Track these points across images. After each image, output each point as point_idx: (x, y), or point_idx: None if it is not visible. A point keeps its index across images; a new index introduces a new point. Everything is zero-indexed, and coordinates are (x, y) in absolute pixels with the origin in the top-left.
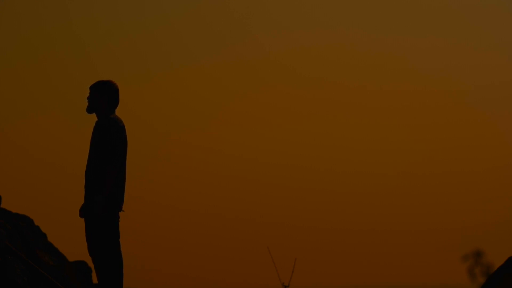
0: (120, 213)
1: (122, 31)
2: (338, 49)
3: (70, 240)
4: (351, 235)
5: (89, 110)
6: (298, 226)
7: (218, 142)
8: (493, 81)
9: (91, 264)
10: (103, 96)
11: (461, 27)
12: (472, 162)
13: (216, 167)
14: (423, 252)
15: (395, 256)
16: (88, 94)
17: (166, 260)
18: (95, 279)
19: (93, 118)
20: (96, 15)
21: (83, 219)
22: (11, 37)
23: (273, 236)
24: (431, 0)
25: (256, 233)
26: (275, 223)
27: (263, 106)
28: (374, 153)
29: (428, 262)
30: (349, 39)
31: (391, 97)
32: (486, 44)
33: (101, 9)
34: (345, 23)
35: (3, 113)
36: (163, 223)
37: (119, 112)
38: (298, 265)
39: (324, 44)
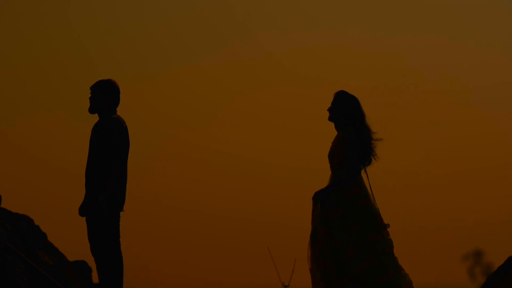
0: (121, 213)
1: (122, 31)
2: (338, 49)
3: (70, 240)
4: None
5: (92, 110)
6: (298, 226)
7: (218, 142)
8: (493, 81)
9: (91, 264)
10: (107, 96)
11: (461, 27)
12: (472, 162)
13: (216, 167)
14: (422, 251)
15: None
16: (89, 95)
17: (166, 260)
18: (95, 279)
19: (93, 117)
20: (95, 15)
21: (83, 219)
22: (11, 37)
23: (273, 236)
24: (431, 0)
25: (256, 233)
26: (275, 223)
27: (263, 106)
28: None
29: (428, 262)
30: (349, 39)
31: (391, 97)
32: (486, 44)
33: (101, 9)
34: (345, 24)
35: (3, 113)
36: (163, 223)
37: (118, 112)
38: (298, 265)
39: (324, 44)
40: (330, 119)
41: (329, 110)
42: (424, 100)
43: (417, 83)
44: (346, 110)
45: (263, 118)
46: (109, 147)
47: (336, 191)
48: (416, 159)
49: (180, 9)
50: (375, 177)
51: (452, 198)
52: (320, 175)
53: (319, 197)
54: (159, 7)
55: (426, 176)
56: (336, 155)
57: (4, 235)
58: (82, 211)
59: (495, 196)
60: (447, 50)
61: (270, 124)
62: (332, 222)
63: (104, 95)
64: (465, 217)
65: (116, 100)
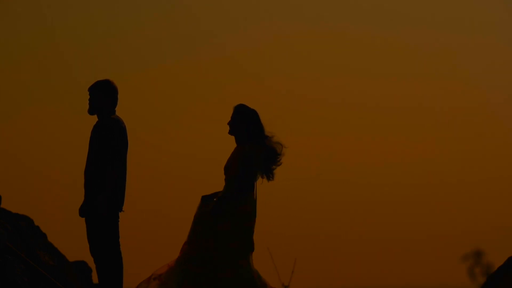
0: (120, 213)
1: (103, 31)
2: (338, 49)
3: (70, 240)
4: (351, 235)
5: (92, 111)
6: (298, 226)
7: (218, 141)
8: (493, 79)
9: (91, 264)
10: (107, 96)
11: (461, 26)
12: (472, 162)
13: (216, 167)
14: (423, 252)
15: (394, 256)
16: (88, 95)
17: (166, 260)
18: (95, 279)
19: (92, 117)
20: (74, 13)
21: (83, 219)
22: (8, 37)
23: (273, 236)
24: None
25: (256, 234)
26: (275, 223)
27: (264, 106)
28: (374, 154)
29: (428, 262)
30: (349, 38)
31: (391, 98)
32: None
33: (81, 6)
34: (345, 22)
35: (2, 113)
36: (163, 223)
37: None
38: (298, 265)
39: (324, 43)
40: (229, 133)
41: (228, 124)
42: (423, 100)
43: (418, 83)
44: (241, 126)
45: (263, 118)
46: (109, 147)
47: (225, 204)
48: (416, 159)
49: (165, 5)
50: (376, 177)
51: (453, 198)
52: (320, 175)
53: (215, 212)
54: (135, 7)
55: (426, 177)
56: (232, 168)
57: (4, 235)
58: (83, 211)
59: (495, 196)
60: (447, 50)
61: (271, 123)
62: (219, 237)
63: (105, 96)
64: (465, 217)
65: (115, 101)
